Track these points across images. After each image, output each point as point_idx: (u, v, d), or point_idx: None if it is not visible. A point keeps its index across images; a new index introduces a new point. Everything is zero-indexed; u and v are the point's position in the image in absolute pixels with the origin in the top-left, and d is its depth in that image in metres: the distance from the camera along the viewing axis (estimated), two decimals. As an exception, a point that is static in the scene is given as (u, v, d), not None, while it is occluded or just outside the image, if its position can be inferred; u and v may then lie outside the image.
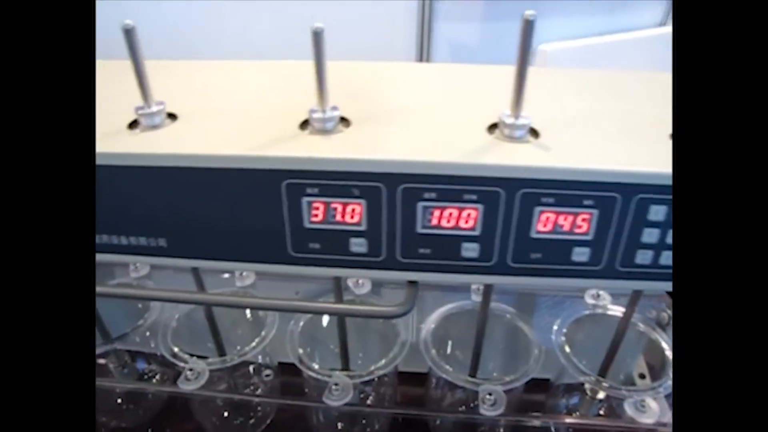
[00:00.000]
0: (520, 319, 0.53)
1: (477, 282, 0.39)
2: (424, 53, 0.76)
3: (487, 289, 0.44)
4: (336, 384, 0.46)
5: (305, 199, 0.34)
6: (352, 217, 0.35)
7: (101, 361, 0.55)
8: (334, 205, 0.34)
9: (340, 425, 0.57)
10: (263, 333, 0.49)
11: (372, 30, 0.73)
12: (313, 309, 0.44)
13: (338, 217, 0.35)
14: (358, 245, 0.35)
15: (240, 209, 0.35)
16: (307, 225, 0.35)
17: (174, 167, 0.34)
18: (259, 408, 0.58)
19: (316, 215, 0.35)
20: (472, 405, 0.51)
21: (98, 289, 0.38)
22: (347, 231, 0.35)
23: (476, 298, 0.53)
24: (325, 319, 0.55)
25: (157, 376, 0.60)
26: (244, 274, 0.55)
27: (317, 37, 0.31)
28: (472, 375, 0.49)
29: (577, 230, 0.34)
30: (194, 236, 0.37)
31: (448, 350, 0.57)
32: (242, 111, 0.38)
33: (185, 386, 0.46)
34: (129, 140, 0.35)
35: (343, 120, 0.36)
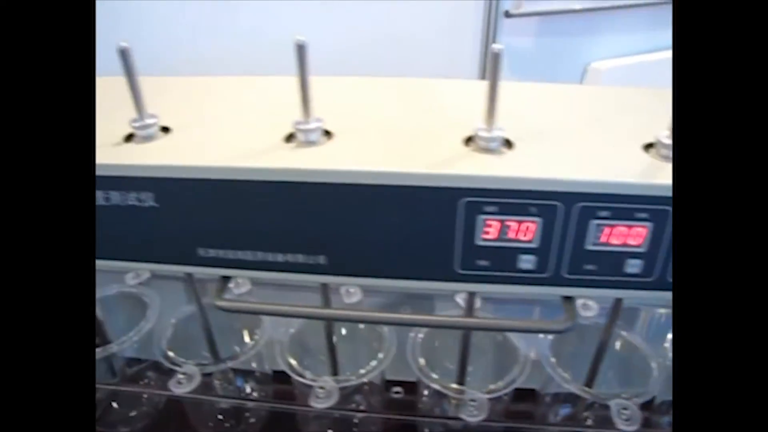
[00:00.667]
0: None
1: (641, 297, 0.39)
2: (487, 69, 0.77)
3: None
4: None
5: (480, 217, 0.34)
6: (525, 234, 0.35)
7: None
8: (508, 223, 0.35)
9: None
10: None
11: (435, 47, 0.74)
12: (467, 325, 0.43)
13: (511, 235, 0.35)
14: (526, 262, 0.36)
15: (408, 227, 0.35)
16: (479, 242, 0.35)
17: (340, 183, 0.34)
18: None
19: (489, 232, 0.35)
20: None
21: (222, 303, 0.38)
22: (518, 248, 0.35)
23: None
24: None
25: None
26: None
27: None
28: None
29: None
30: (355, 254, 0.36)
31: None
32: (396, 128, 0.38)
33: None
34: (288, 155, 0.35)
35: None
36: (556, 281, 0.36)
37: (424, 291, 0.38)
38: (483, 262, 0.36)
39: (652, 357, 0.50)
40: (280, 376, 0.55)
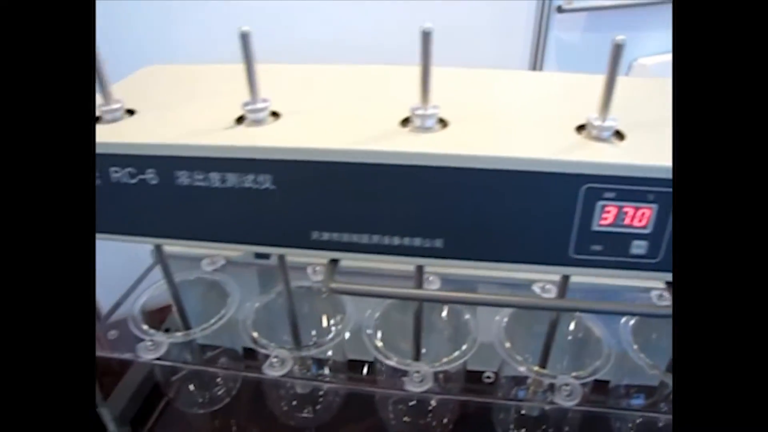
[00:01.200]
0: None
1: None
2: (537, 62, 0.78)
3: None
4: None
5: (600, 203, 0.35)
6: (640, 220, 0.36)
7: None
8: (625, 209, 0.35)
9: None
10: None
11: (486, 40, 0.75)
12: (566, 306, 0.43)
13: (627, 221, 0.36)
14: (638, 247, 0.37)
15: (528, 211, 0.36)
16: (595, 228, 0.36)
17: (461, 168, 0.35)
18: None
19: (606, 218, 0.36)
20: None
21: (334, 285, 0.39)
22: (632, 234, 0.36)
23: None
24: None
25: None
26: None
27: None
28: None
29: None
30: (473, 238, 0.37)
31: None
32: (509, 116, 0.39)
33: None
34: (407, 139, 0.36)
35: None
36: (667, 267, 0.37)
37: (535, 274, 0.39)
38: (597, 247, 0.37)
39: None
40: (353, 363, 0.57)
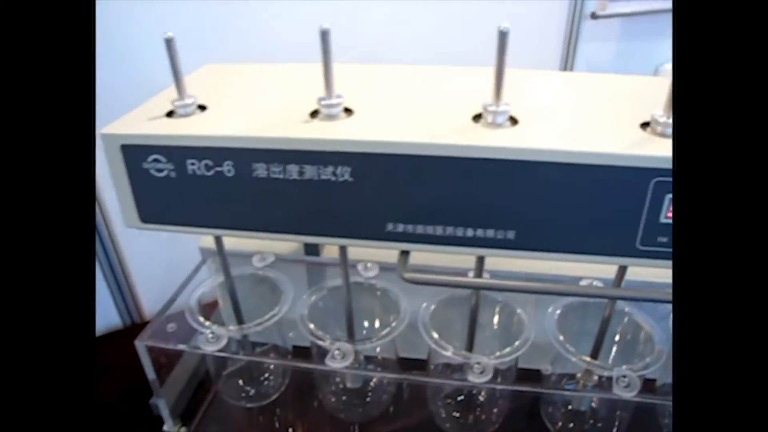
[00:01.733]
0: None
1: None
2: (568, 65, 0.80)
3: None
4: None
5: (668, 196, 0.37)
6: (706, 213, 0.37)
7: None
8: (693, 202, 0.37)
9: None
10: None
11: (521, 45, 0.76)
12: (621, 295, 0.44)
13: (693, 214, 0.37)
14: (703, 240, 0.38)
15: (599, 204, 0.37)
16: (663, 220, 0.37)
17: (534, 161, 0.36)
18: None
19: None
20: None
21: (408, 275, 0.40)
22: (698, 226, 0.38)
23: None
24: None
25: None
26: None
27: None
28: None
29: None
30: (544, 229, 0.38)
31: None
32: (579, 113, 0.41)
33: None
34: (482, 134, 0.37)
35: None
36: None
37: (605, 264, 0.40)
38: (663, 239, 0.38)
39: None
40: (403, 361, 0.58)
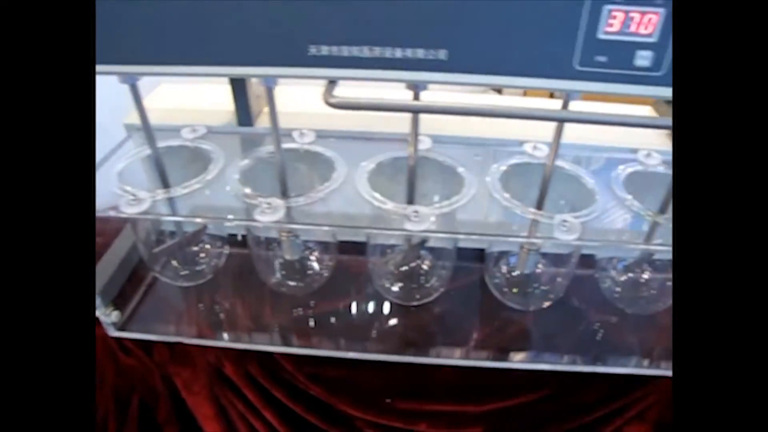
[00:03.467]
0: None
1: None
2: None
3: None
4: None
5: (607, 7, 0.34)
6: (646, 27, 0.35)
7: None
8: (632, 14, 0.35)
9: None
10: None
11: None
12: (567, 117, 0.42)
13: (633, 28, 0.35)
14: (643, 58, 0.36)
15: (533, 19, 0.35)
16: (600, 36, 0.35)
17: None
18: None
19: (612, 25, 0.35)
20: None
21: (333, 100, 0.37)
22: (637, 43, 0.36)
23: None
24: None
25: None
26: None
27: None
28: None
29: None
30: (477, 48, 0.36)
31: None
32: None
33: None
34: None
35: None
36: (669, 81, 0.37)
37: (542, 89, 0.38)
38: (601, 59, 0.36)
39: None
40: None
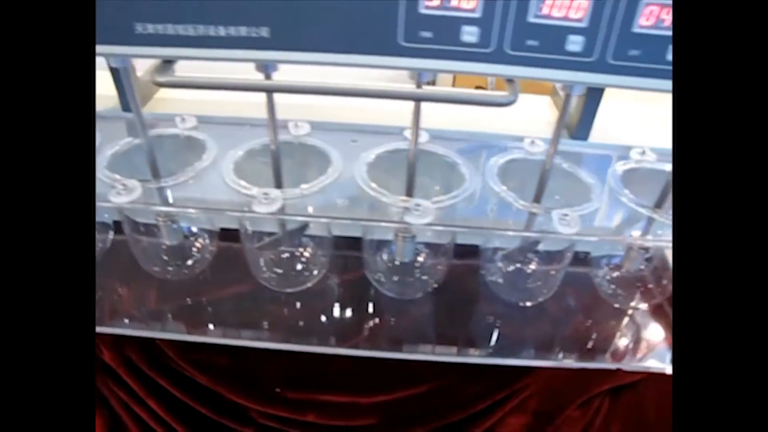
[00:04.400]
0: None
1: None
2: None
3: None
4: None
5: (420, -19, 0.34)
6: (468, 2, 0.35)
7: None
8: (452, -11, 0.34)
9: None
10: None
11: None
12: (419, 96, 0.42)
13: (454, 2, 0.35)
14: (469, 34, 0.36)
15: (353, -7, 0.34)
16: (422, 10, 0.35)
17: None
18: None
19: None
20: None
21: (161, 79, 0.37)
22: (462, 18, 0.35)
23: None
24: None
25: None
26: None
27: None
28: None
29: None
30: (299, 24, 0.36)
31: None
32: None
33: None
34: None
35: None
36: (500, 58, 0.36)
37: (368, 67, 0.37)
38: (426, 34, 0.36)
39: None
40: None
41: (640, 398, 0.53)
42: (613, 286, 0.56)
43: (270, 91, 0.43)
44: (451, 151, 0.53)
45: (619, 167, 0.54)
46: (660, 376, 0.53)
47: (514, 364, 0.52)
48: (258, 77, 0.41)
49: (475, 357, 0.53)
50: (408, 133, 0.52)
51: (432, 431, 0.51)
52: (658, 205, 0.49)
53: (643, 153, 0.55)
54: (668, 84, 0.37)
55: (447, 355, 0.53)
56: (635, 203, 0.49)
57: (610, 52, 0.36)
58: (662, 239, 0.49)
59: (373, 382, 0.54)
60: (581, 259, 0.58)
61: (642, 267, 0.55)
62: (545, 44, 0.36)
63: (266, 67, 0.41)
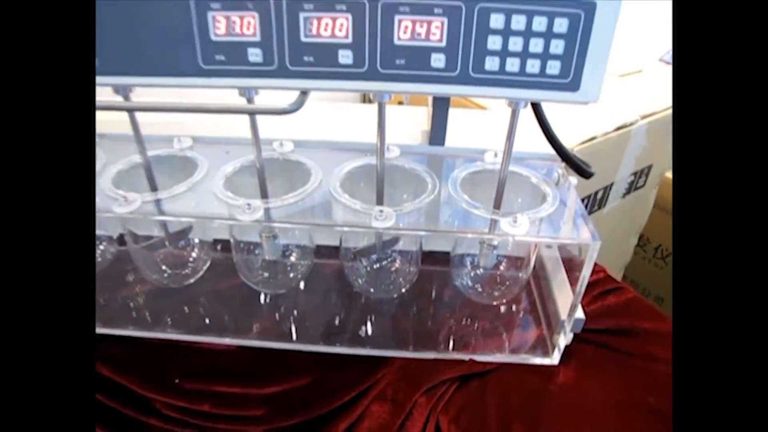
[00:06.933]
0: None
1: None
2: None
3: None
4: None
5: (210, 14, 0.40)
6: (248, 28, 0.41)
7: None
8: (233, 19, 0.40)
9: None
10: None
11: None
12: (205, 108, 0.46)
13: (238, 30, 0.40)
14: (255, 55, 0.41)
15: (155, 27, 0.40)
16: (214, 38, 0.40)
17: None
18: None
19: (219, 28, 0.40)
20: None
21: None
22: (247, 42, 0.41)
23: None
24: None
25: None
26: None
27: None
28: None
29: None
30: (108, 48, 0.41)
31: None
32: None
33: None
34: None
35: None
36: (284, 74, 0.42)
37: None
38: (220, 57, 0.41)
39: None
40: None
41: (484, 385, 0.55)
42: (471, 282, 0.62)
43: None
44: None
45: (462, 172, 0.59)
46: (510, 365, 0.58)
47: (374, 355, 0.58)
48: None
49: (339, 348, 0.59)
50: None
51: (314, 419, 0.55)
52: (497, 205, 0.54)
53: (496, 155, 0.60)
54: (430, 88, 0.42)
55: (315, 345, 0.60)
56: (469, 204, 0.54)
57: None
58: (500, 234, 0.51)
59: (264, 373, 0.59)
60: (441, 258, 0.65)
61: (497, 263, 0.59)
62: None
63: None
